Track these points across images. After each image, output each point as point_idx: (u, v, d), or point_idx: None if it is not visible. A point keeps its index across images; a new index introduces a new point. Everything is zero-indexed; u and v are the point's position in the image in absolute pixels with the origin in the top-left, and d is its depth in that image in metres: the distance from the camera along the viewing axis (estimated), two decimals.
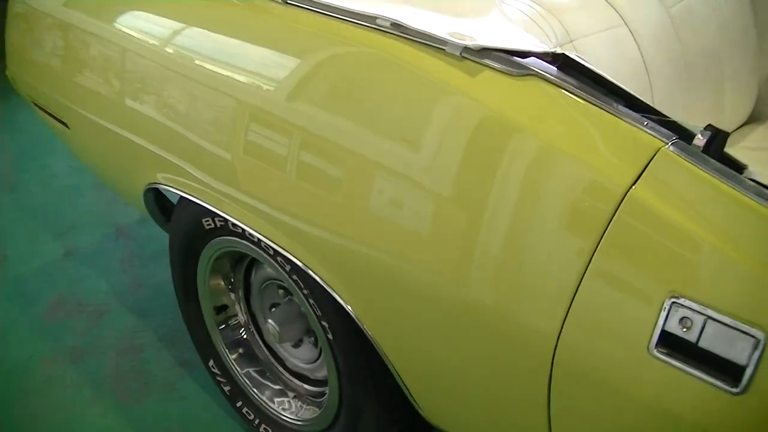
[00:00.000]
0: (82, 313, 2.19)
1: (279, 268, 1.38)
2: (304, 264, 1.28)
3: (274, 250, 1.35)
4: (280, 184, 1.25)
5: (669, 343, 0.90)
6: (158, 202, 1.70)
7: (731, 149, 0.94)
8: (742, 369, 0.85)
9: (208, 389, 1.87)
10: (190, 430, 1.81)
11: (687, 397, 0.91)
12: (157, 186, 1.56)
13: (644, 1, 1.68)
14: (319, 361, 1.60)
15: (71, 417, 1.86)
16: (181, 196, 1.51)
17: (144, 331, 2.11)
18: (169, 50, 1.42)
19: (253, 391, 1.68)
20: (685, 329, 0.88)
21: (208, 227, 1.52)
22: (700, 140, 0.92)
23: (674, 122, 0.95)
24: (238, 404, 1.75)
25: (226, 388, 1.76)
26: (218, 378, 1.77)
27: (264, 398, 1.68)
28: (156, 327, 2.12)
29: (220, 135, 1.33)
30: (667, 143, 0.91)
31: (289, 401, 1.67)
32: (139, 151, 1.55)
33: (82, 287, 2.30)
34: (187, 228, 1.59)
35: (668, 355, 0.90)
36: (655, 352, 0.91)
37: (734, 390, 0.86)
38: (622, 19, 1.64)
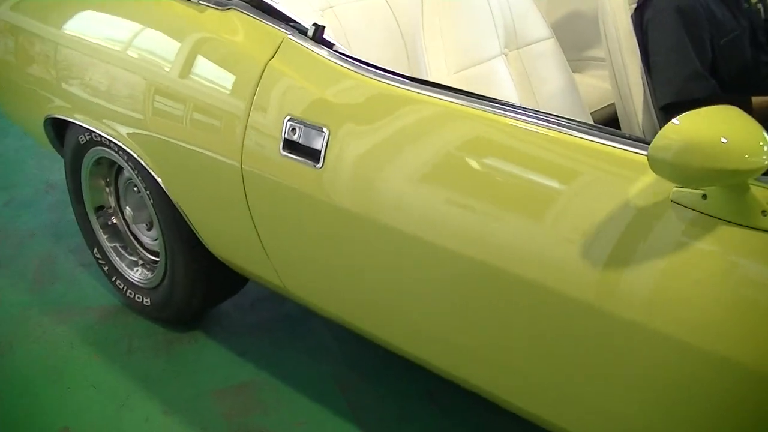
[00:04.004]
0: (15, 236, 2.90)
1: (121, 159, 2.09)
2: (133, 152, 1.99)
3: (118, 146, 2.05)
4: (120, 106, 1.96)
5: (288, 146, 1.60)
6: (56, 134, 2.39)
7: None
8: (319, 152, 1.55)
9: (97, 278, 2.57)
10: (81, 303, 2.50)
11: (299, 175, 1.60)
12: (50, 116, 2.26)
13: None
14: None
15: None
16: (68, 123, 2.21)
17: (60, 247, 2.82)
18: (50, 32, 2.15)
19: (118, 261, 2.37)
20: (293, 134, 1.58)
21: (82, 142, 2.23)
22: (310, 32, 1.63)
23: (298, 23, 1.65)
24: (113, 278, 2.44)
25: (105, 268, 2.45)
26: (100, 262, 2.47)
27: (126, 267, 2.37)
28: (69, 243, 2.83)
29: (87, 80, 2.05)
30: (288, 34, 1.62)
31: (140, 269, 2.37)
32: (40, 97, 2.26)
33: (17, 222, 3.01)
34: (71, 146, 2.30)
35: (290, 153, 1.60)
36: (284, 153, 1.61)
37: (318, 166, 1.56)
38: None
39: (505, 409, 1.56)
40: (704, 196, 1.12)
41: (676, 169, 1.04)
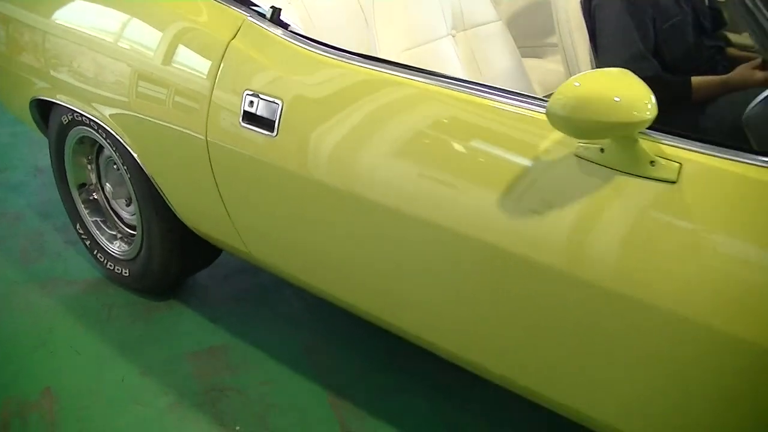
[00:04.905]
0: (3, 217, 3.04)
1: (99, 136, 2.22)
2: (112, 129, 2.12)
3: (97, 125, 2.19)
4: (98, 87, 2.10)
5: (247, 117, 1.74)
6: (41, 115, 2.53)
7: None
8: (274, 122, 1.69)
9: (81, 253, 2.71)
10: (65, 277, 2.64)
11: (256, 144, 1.74)
12: (36, 98, 2.40)
13: None
14: None
15: None
16: (52, 105, 2.35)
17: (46, 226, 2.96)
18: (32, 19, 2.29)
19: (99, 235, 2.51)
20: (251, 107, 1.72)
21: (65, 122, 2.37)
22: (268, 14, 1.77)
23: (258, 6, 1.79)
24: (95, 252, 2.58)
25: (87, 242, 2.59)
26: (82, 237, 2.61)
27: (106, 241, 2.51)
28: (55, 222, 2.97)
29: (67, 63, 2.19)
30: (248, 16, 1.77)
31: (119, 242, 2.51)
32: (26, 81, 2.40)
33: (6, 203, 3.16)
34: (55, 126, 2.44)
35: (248, 124, 1.74)
36: (243, 124, 1.75)
37: (273, 135, 1.70)
38: None
39: (465, 370, 1.68)
40: (602, 150, 1.26)
41: (570, 123, 1.18)
